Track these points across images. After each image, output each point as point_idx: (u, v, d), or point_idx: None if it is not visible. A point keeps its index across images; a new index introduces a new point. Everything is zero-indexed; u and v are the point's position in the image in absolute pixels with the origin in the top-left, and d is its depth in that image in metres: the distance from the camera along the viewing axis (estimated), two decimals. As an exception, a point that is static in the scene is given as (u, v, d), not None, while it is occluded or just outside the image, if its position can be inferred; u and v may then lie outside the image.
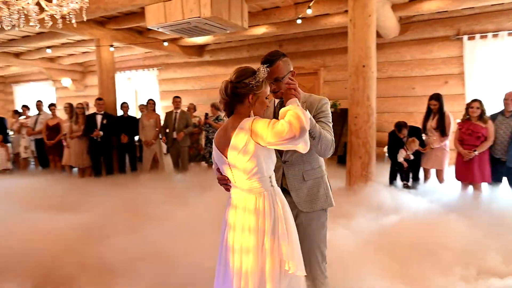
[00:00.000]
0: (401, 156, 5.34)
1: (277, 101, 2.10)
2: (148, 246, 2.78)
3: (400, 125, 5.41)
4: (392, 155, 5.45)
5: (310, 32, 8.16)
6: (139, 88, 10.83)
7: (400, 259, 2.92)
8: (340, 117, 5.29)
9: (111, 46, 7.16)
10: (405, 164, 5.36)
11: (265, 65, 1.82)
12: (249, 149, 1.66)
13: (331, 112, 5.40)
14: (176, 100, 6.89)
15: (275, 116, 2.03)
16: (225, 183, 1.85)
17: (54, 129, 7.55)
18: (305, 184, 2.01)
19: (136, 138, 7.40)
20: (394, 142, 5.45)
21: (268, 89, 1.81)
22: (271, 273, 1.62)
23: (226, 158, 1.74)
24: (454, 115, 5.58)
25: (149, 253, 2.63)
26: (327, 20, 6.89)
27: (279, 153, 2.01)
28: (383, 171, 5.67)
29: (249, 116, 1.75)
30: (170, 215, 3.62)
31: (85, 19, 3.70)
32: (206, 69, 9.83)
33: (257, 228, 1.66)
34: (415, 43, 7.53)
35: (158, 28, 5.39)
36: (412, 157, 5.36)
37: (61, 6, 3.67)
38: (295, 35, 8.42)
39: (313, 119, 1.82)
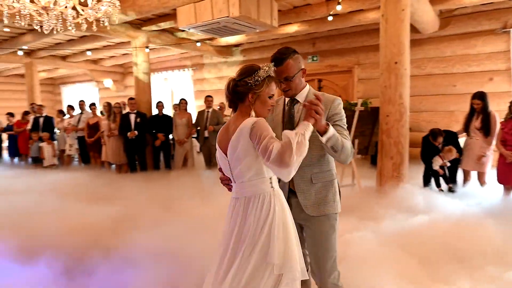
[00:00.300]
0: (436, 164, 5.05)
1: (287, 99, 2.02)
2: (169, 241, 2.86)
3: (435, 133, 5.07)
4: (426, 160, 5.18)
5: (344, 29, 7.99)
6: (175, 88, 11.14)
7: (427, 261, 2.81)
8: (371, 116, 5.11)
9: (147, 47, 7.42)
10: (441, 172, 5.08)
11: (271, 64, 1.77)
12: (248, 150, 1.63)
13: (361, 111, 5.20)
14: (208, 99, 7.02)
15: (284, 115, 2.00)
16: (227, 183, 1.83)
17: (94, 127, 7.97)
18: (313, 187, 1.92)
19: (171, 136, 7.63)
20: (429, 148, 5.16)
21: (273, 88, 1.74)
22: (254, 273, 1.58)
23: (227, 157, 1.72)
24: (500, 114, 5.20)
25: (170, 248, 2.70)
26: (360, 16, 6.70)
27: None
28: (420, 172, 5.40)
29: (249, 115, 1.71)
30: (194, 211, 3.70)
31: (117, 21, 3.87)
32: (239, 68, 9.92)
33: (251, 229, 1.62)
34: (457, 37, 7.13)
35: (189, 29, 5.52)
36: (448, 164, 5.06)
37: (95, 9, 3.88)
38: (328, 32, 8.27)
39: (336, 134, 1.74)
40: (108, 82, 12.30)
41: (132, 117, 7.04)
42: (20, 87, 12.61)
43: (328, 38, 8.45)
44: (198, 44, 8.01)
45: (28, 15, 3.60)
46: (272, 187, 1.70)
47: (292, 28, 7.57)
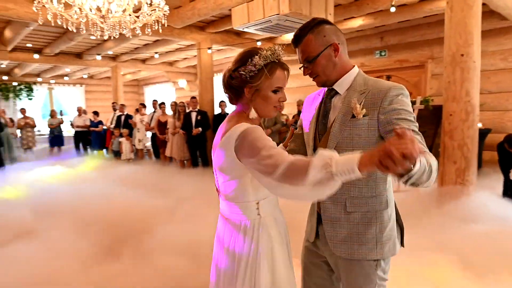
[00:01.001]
0: None
1: (326, 90, 1.49)
2: (192, 236, 2.94)
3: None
4: (504, 169, 4.50)
5: (415, 21, 7.35)
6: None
7: (479, 271, 2.53)
8: (434, 115, 4.61)
9: (209, 48, 7.71)
10: None
11: (276, 46, 1.34)
12: (232, 165, 1.29)
13: (422, 110, 4.69)
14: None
15: (319, 113, 1.49)
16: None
17: (164, 125, 8.56)
18: (347, 216, 1.37)
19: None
20: (505, 157, 4.46)
21: (279, 78, 1.33)
22: None
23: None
24: None
25: (190, 244, 2.78)
26: (432, 6, 6.09)
27: None
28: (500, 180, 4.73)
29: (247, 115, 1.35)
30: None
31: (166, 25, 4.09)
32: (303, 67, 9.76)
33: (229, 261, 1.36)
34: (556, 23, 6.07)
35: (243, 28, 5.58)
36: None
37: (149, 15, 4.16)
38: (398, 25, 7.69)
39: (423, 163, 1.07)
40: (182, 82, 13.11)
41: (193, 115, 7.42)
42: (109, 88, 14.12)
43: (398, 31, 7.85)
44: (259, 43, 8.07)
45: (91, 23, 4.00)
46: (258, 214, 1.34)
47: (356, 22, 7.20)
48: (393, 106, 1.27)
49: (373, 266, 1.36)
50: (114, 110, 9.77)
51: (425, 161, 1.09)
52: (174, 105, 8.00)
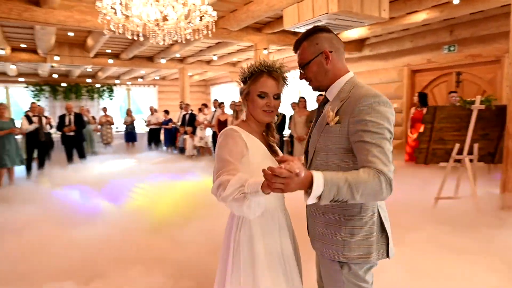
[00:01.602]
0: None
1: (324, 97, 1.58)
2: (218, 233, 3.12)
3: None
4: None
5: (490, 11, 6.68)
6: (301, 87, 11.40)
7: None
8: (497, 117, 4.18)
9: (265, 49, 7.86)
10: None
11: (270, 60, 1.56)
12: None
13: (482, 110, 4.32)
14: (319, 98, 7.00)
15: (318, 116, 1.55)
16: None
17: (224, 124, 8.94)
18: (322, 216, 1.42)
19: (287, 133, 7.92)
20: None
21: (264, 84, 1.51)
22: None
23: None
24: None
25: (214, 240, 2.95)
26: (506, -6, 5.50)
27: (305, 160, 1.55)
28: None
29: (245, 117, 1.60)
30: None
31: (214, 29, 4.33)
32: (365, 64, 9.43)
33: (225, 242, 1.55)
34: None
35: (294, 29, 5.64)
36: None
37: (200, 20, 4.44)
38: (470, 17, 7.05)
39: (335, 180, 1.15)
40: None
41: (249, 114, 7.65)
42: (178, 89, 15.11)
43: (469, 23, 7.19)
44: (316, 42, 8.01)
45: (148, 31, 4.40)
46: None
47: (420, 16, 6.78)
48: (362, 117, 1.27)
49: (338, 266, 1.39)
50: (181, 109, 10.45)
51: (338, 180, 1.15)
52: (233, 105, 8.32)
